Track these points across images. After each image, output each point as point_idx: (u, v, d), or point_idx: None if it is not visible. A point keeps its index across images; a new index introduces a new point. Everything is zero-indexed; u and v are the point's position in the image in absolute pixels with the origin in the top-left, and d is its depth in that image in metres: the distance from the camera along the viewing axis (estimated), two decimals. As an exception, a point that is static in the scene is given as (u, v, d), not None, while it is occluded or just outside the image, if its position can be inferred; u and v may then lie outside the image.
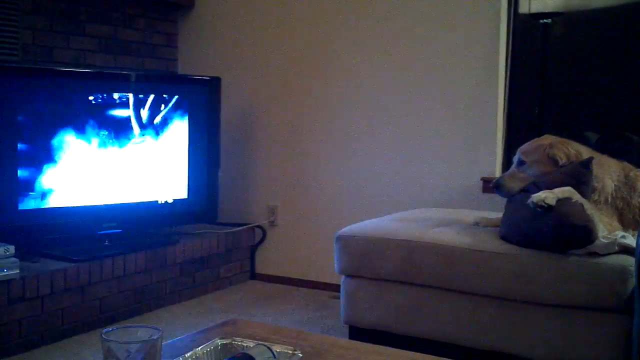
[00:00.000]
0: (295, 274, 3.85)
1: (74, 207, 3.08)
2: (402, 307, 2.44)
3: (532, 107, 3.34)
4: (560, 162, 2.29)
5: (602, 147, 2.49)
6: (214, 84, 3.53)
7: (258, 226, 3.93)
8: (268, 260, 3.94)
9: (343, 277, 2.58)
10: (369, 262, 2.50)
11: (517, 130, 3.34)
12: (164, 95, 3.33)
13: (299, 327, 2.88)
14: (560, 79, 3.29)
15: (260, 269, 3.97)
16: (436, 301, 2.37)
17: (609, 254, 2.07)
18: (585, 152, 2.33)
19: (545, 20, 3.18)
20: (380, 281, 2.50)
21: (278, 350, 1.28)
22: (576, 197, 2.12)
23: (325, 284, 3.66)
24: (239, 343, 1.32)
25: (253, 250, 3.96)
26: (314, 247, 3.77)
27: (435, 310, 2.38)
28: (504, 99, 3.32)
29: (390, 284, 2.48)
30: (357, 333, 2.54)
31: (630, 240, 2.08)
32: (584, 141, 2.52)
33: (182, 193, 3.47)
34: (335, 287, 3.07)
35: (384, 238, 2.49)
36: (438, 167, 3.41)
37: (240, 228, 3.82)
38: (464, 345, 2.32)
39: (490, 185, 2.50)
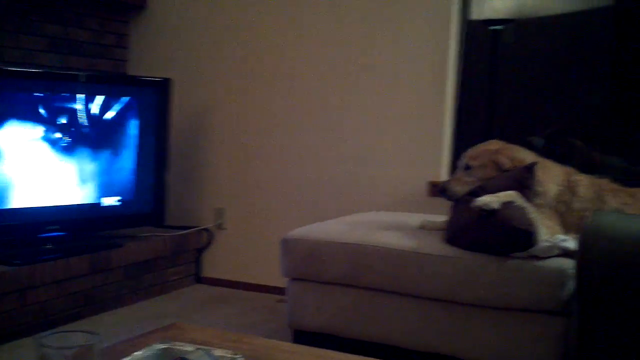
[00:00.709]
0: (242, 278, 3.81)
1: (14, 208, 2.99)
2: (348, 310, 2.42)
3: (479, 112, 3.36)
4: (505, 167, 2.32)
5: (547, 152, 2.51)
6: (164, 85, 3.49)
7: (205, 229, 3.89)
8: (215, 264, 3.90)
9: (289, 280, 2.56)
10: (315, 265, 2.47)
11: (465, 135, 3.35)
12: (113, 96, 3.27)
13: (243, 331, 2.80)
14: (509, 85, 3.29)
15: (207, 272, 3.93)
16: (382, 304, 2.36)
17: (550, 257, 2.09)
18: (529, 157, 2.34)
19: (495, 27, 3.20)
20: (326, 285, 2.47)
21: (218, 354, 1.26)
22: (519, 201, 2.14)
23: (273, 287, 3.62)
24: (179, 347, 1.30)
25: (200, 253, 3.92)
26: (261, 250, 3.73)
27: (381, 313, 2.36)
28: (452, 104, 3.35)
29: (336, 288, 2.45)
30: (303, 337, 2.52)
31: (571, 244, 2.09)
32: (530, 146, 2.54)
33: (128, 195, 3.40)
34: (283, 291, 2.93)
35: (330, 241, 2.46)
36: (386, 171, 3.42)
37: (187, 231, 3.78)
38: (409, 348, 2.31)
39: (437, 189, 2.58)
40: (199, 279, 3.93)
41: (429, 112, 3.31)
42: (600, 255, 1.57)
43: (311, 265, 2.47)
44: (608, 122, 3.07)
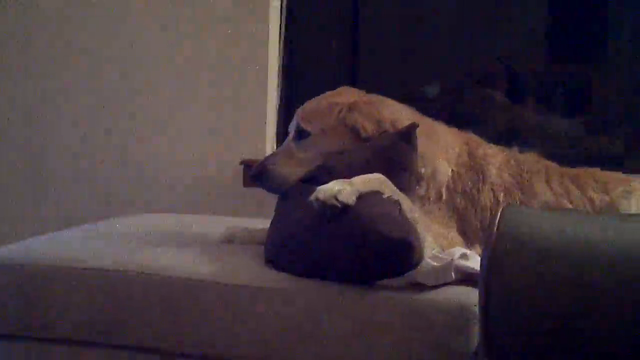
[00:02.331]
0: None
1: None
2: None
3: (327, 42, 3.50)
4: (366, 133, 2.24)
5: (442, 111, 2.69)
6: None
7: None
8: None
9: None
10: (31, 311, 2.19)
11: (307, 85, 3.43)
12: None
13: None
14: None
15: None
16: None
17: (442, 285, 1.97)
18: (408, 116, 2.30)
19: None
20: (53, 344, 2.20)
21: None
22: (389, 190, 2.05)
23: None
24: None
25: None
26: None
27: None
28: (280, 31, 3.38)
29: (73, 349, 2.19)
30: None
31: (475, 262, 1.96)
32: (418, 101, 2.63)
33: None
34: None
35: (59, 267, 2.18)
36: (174, 150, 3.42)
37: None
38: None
39: (251, 174, 2.39)
40: None
41: (243, 53, 3.33)
42: (516, 282, 1.53)
43: (24, 312, 2.20)
44: (549, 62, 3.39)
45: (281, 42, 3.42)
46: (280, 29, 3.43)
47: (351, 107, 2.26)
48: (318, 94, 2.45)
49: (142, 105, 3.52)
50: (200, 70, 3.45)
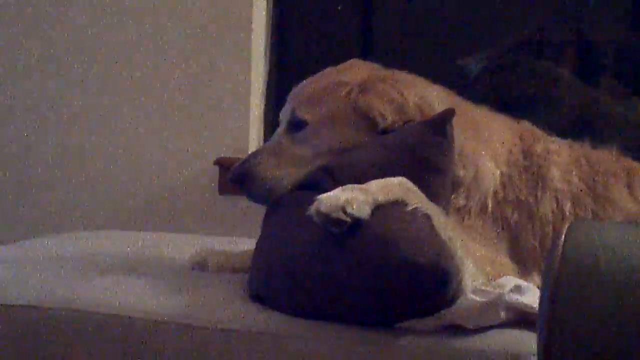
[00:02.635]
0: None
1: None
2: None
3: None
4: (383, 123, 2.22)
5: (486, 92, 2.88)
6: None
7: None
8: None
9: None
10: None
11: (301, 53, 3.74)
12: None
13: None
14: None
15: None
16: None
17: (488, 327, 1.97)
18: (441, 100, 2.29)
19: None
20: None
21: None
22: (416, 199, 2.01)
23: None
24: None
25: None
26: None
27: None
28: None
29: None
30: None
31: (532, 296, 1.97)
32: (453, 78, 2.75)
33: None
34: None
35: None
36: (130, 148, 3.60)
37: None
38: None
39: (231, 177, 2.38)
40: None
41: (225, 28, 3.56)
42: (587, 324, 1.48)
43: None
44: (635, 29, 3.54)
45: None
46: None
47: (364, 87, 2.24)
48: (318, 71, 2.42)
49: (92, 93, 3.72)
50: (161, 38, 3.62)
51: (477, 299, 1.95)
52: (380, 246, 1.91)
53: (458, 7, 3.65)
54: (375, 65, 2.38)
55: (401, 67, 2.43)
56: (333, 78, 2.31)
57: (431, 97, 2.26)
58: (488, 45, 3.46)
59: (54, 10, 4.04)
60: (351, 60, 2.41)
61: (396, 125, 2.21)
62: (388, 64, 2.44)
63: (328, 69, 2.38)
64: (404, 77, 2.31)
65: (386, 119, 2.20)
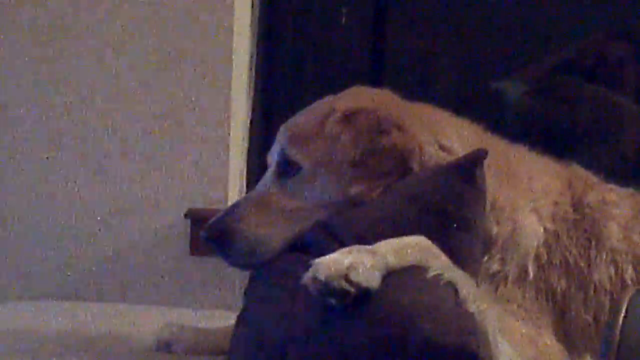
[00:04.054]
0: None
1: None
2: None
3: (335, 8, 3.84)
4: (407, 164, 2.26)
5: (525, 125, 2.99)
6: None
7: None
8: None
9: None
10: None
11: (295, 77, 3.88)
12: None
13: None
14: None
15: None
16: None
17: None
18: (469, 138, 2.33)
19: None
20: None
21: None
22: (437, 263, 2.01)
23: None
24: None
25: None
26: None
27: None
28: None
29: None
30: None
31: None
32: (483, 108, 2.92)
33: None
34: None
35: None
36: (80, 197, 3.71)
37: None
38: None
39: (205, 235, 2.37)
40: None
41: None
42: None
43: None
44: None
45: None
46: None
47: (376, 120, 2.25)
48: (313, 102, 2.46)
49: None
50: (120, 46, 3.75)
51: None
52: (393, 323, 1.88)
53: (490, 19, 3.72)
54: (382, 93, 2.40)
55: (413, 93, 2.46)
56: (332, 109, 2.30)
57: (457, 133, 2.30)
58: (528, 65, 3.50)
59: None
60: (353, 88, 2.41)
61: (410, 169, 2.23)
62: (399, 89, 2.46)
63: (326, 99, 2.38)
64: (422, 108, 2.34)
65: (412, 160, 2.22)
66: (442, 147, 2.26)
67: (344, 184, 2.26)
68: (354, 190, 2.25)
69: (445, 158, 2.24)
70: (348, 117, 2.30)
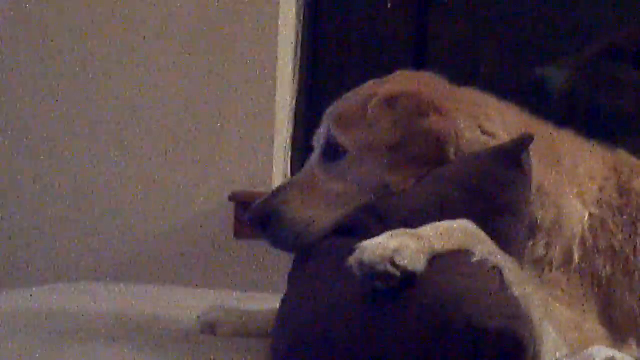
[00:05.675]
0: None
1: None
2: None
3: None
4: (449, 152, 2.25)
5: (569, 111, 2.95)
6: None
7: None
8: None
9: None
10: None
11: (339, 64, 3.87)
12: None
13: None
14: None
15: None
16: None
17: None
18: (514, 122, 2.32)
19: None
20: None
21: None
22: (482, 248, 2.03)
23: None
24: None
25: None
26: None
27: None
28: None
29: None
30: None
31: None
32: (526, 95, 2.84)
33: None
34: None
35: None
36: (121, 179, 3.78)
37: None
38: None
39: (250, 217, 2.38)
40: None
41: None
42: None
43: None
44: None
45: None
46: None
47: (418, 106, 2.24)
48: (358, 86, 2.45)
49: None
50: (165, 37, 3.89)
51: (561, 381, 1.90)
52: (438, 307, 1.89)
53: (535, 3, 3.71)
54: (427, 76, 2.40)
55: (457, 78, 2.47)
56: (375, 93, 2.31)
57: (501, 118, 2.31)
58: (572, 51, 3.50)
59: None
60: (398, 72, 2.41)
61: (456, 154, 2.23)
62: (443, 74, 2.47)
63: (371, 82, 2.39)
64: (467, 93, 2.35)
65: (451, 147, 2.22)
66: (485, 132, 2.25)
67: (382, 170, 2.27)
68: (390, 178, 2.26)
69: (488, 142, 2.24)
70: (388, 101, 2.30)
